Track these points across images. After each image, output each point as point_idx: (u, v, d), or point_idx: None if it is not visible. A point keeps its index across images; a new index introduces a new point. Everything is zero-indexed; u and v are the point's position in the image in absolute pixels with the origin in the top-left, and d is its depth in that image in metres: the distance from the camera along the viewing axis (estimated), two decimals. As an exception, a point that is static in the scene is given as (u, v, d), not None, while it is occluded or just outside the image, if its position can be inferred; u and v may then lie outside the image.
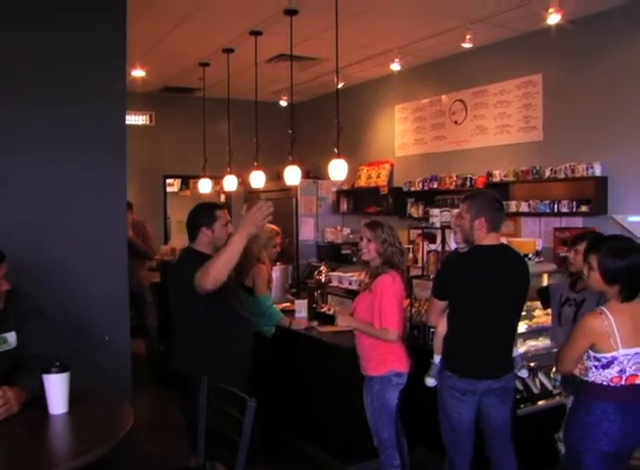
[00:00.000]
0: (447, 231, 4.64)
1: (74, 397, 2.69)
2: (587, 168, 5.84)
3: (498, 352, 3.52)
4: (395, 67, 7.37)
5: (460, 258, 3.60)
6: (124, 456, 3.15)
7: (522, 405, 4.22)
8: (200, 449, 3.02)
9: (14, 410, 2.60)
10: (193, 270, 3.45)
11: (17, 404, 2.62)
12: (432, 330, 4.25)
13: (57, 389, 2.64)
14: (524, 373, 3.80)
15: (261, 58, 6.88)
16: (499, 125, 6.93)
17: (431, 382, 3.64)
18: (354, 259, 7.60)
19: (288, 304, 5.61)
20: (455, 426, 3.48)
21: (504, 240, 3.87)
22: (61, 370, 2.64)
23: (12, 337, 2.91)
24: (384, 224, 3.94)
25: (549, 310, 4.29)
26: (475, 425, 3.53)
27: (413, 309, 4.62)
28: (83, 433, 2.62)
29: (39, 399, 2.66)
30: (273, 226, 5.00)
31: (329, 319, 4.96)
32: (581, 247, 3.79)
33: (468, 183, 6.98)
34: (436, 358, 3.62)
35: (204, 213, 3.72)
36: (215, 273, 3.33)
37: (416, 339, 4.50)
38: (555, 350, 4.01)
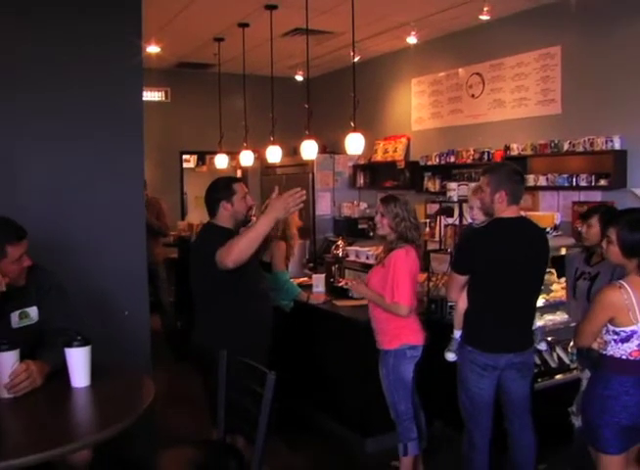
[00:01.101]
0: (465, 205, 4.62)
1: (96, 371, 2.72)
2: (606, 142, 5.78)
3: (519, 325, 3.51)
4: (412, 40, 7.30)
5: (479, 231, 3.58)
6: (145, 430, 3.19)
7: (539, 380, 4.23)
8: (220, 423, 3.05)
9: (37, 384, 2.64)
10: (215, 245, 3.46)
11: (40, 378, 2.65)
12: (449, 304, 4.25)
13: (79, 362, 2.67)
14: (542, 346, 3.80)
15: (277, 32, 6.83)
16: (517, 98, 6.85)
17: (451, 357, 3.65)
18: (371, 234, 7.60)
19: (305, 278, 5.62)
20: (475, 401, 3.49)
21: (523, 214, 3.83)
22: (83, 344, 2.67)
23: (34, 312, 2.95)
24: (398, 199, 3.92)
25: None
26: (494, 400, 3.53)
27: (430, 283, 4.61)
28: (105, 406, 2.65)
29: (62, 372, 2.70)
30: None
31: (346, 293, 4.97)
32: (594, 220, 3.79)
33: (485, 157, 6.94)
34: (457, 333, 3.62)
35: (221, 188, 3.72)
36: (238, 252, 3.35)
37: (433, 313, 4.50)
38: (573, 324, 4.01)
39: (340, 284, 5.28)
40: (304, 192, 3.44)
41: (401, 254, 3.79)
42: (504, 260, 3.37)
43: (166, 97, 9.69)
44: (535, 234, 3.54)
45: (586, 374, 3.70)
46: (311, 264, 6.41)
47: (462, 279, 3.51)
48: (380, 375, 3.92)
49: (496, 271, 3.39)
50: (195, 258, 3.75)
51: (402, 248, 3.81)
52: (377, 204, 4.03)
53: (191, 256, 3.83)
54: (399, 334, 3.82)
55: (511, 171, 3.46)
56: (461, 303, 3.59)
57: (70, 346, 2.66)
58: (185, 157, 10.43)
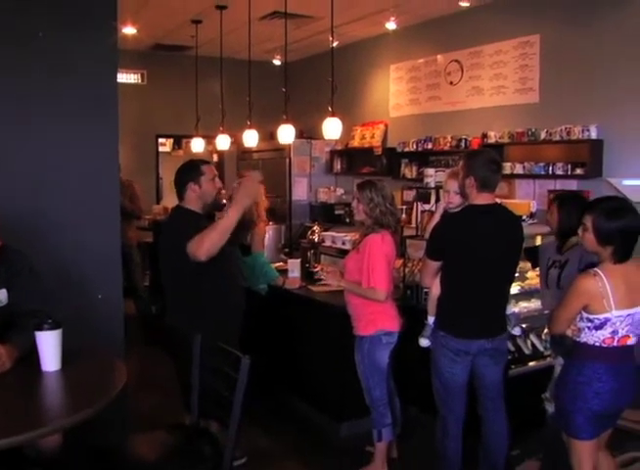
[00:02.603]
0: (442, 191, 4.62)
1: (67, 355, 2.68)
2: (583, 131, 5.81)
3: (491, 311, 3.52)
4: (391, 26, 7.27)
5: (451, 217, 3.60)
6: (117, 415, 3.16)
7: (513, 366, 4.26)
8: (193, 407, 3.03)
9: (6, 367, 2.59)
10: (183, 229, 3.46)
11: (9, 361, 2.61)
12: (425, 290, 4.25)
13: (49, 346, 2.62)
14: (517, 331, 3.83)
15: (255, 15, 6.75)
16: (495, 86, 6.86)
17: (425, 342, 3.65)
18: (347, 220, 7.61)
19: (280, 263, 5.60)
20: (448, 386, 3.50)
21: (499, 201, 3.84)
22: (53, 327, 2.61)
23: (3, 294, 2.89)
24: (374, 184, 3.91)
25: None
26: (467, 385, 3.54)
27: (406, 269, 4.61)
28: (76, 390, 2.61)
29: (32, 356, 2.64)
30: None
31: (321, 279, 4.96)
32: (553, 207, 3.90)
33: (463, 144, 6.94)
34: (430, 319, 3.62)
35: (189, 169, 3.70)
36: (209, 245, 3.33)
37: (409, 299, 4.50)
38: (546, 312, 4.04)
39: (315, 269, 5.26)
40: (259, 172, 3.49)
41: (377, 239, 3.79)
42: (475, 247, 3.37)
43: (142, 79, 9.59)
44: (509, 221, 3.54)
45: (559, 361, 3.73)
46: (287, 249, 6.38)
47: (435, 265, 3.51)
48: (355, 361, 3.92)
49: (467, 257, 3.39)
50: (164, 242, 3.72)
51: (378, 233, 3.81)
52: (354, 190, 4.02)
53: (160, 239, 3.81)
54: (375, 320, 3.82)
55: (486, 159, 3.44)
56: (434, 288, 3.59)
57: (41, 329, 2.60)
58: (161, 140, 10.36)
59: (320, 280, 4.62)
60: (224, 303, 3.66)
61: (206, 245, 3.33)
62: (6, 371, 2.59)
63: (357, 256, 3.85)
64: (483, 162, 3.42)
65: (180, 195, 3.70)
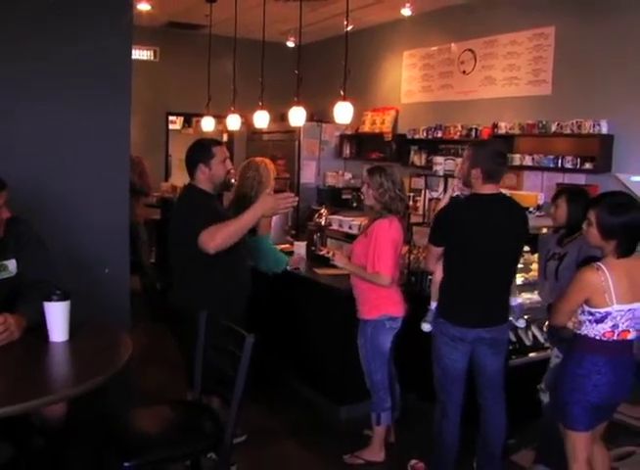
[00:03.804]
0: (450, 179, 4.65)
1: (74, 327, 2.72)
2: (594, 125, 5.79)
3: (490, 301, 3.52)
4: (406, 12, 7.24)
5: (455, 204, 3.61)
6: (121, 387, 3.20)
7: (513, 357, 4.29)
8: (196, 384, 3.07)
9: (15, 336, 2.63)
10: (194, 209, 3.51)
11: (18, 331, 2.64)
12: (429, 277, 4.28)
13: (57, 317, 2.66)
14: (521, 323, 3.83)
15: (271, -5, 6.73)
16: (508, 77, 6.84)
17: (427, 327, 3.68)
18: (354, 204, 7.63)
19: (287, 245, 5.62)
20: (447, 372, 3.53)
21: (506, 192, 3.86)
22: (62, 298, 2.65)
23: (12, 264, 2.93)
24: (384, 170, 3.93)
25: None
26: (467, 372, 3.57)
27: (411, 256, 4.64)
28: (83, 361, 2.66)
29: (40, 326, 2.69)
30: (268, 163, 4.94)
31: (327, 262, 4.98)
32: (561, 201, 3.88)
33: (473, 134, 6.93)
34: (433, 305, 3.65)
35: (200, 150, 3.69)
36: (220, 241, 3.36)
37: (413, 285, 4.53)
38: (544, 303, 4.07)
39: (321, 252, 5.29)
40: (297, 199, 3.49)
41: (384, 224, 3.82)
42: (477, 234, 3.39)
43: (155, 56, 9.56)
44: (514, 212, 3.55)
45: (555, 352, 3.78)
46: (293, 232, 6.40)
47: (437, 250, 3.54)
48: (358, 344, 3.96)
49: (467, 245, 3.42)
50: (174, 219, 3.75)
51: (386, 218, 3.84)
52: (363, 174, 4.04)
53: (170, 217, 3.83)
54: (380, 304, 3.86)
55: (493, 151, 3.45)
56: (437, 274, 3.62)
57: (50, 300, 2.64)
58: (171, 118, 10.31)
59: (328, 260, 4.66)
60: (231, 282, 3.68)
61: (218, 241, 3.35)
62: (15, 341, 2.63)
63: (365, 240, 3.88)
64: (490, 153, 3.43)
65: (191, 173, 3.72)
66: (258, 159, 4.94)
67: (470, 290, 3.48)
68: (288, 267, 4.90)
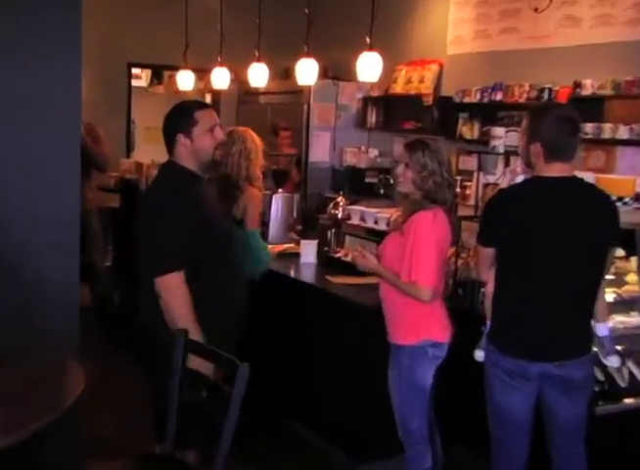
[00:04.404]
0: (513, 158, 4.62)
1: (1, 355, 2.71)
2: None
3: (561, 324, 3.45)
4: None
5: (509, 191, 3.61)
6: (67, 434, 3.20)
7: (601, 403, 4.24)
8: (169, 431, 3.06)
9: None
10: (174, 196, 3.52)
11: None
12: (482, 289, 4.26)
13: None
14: (614, 361, 3.78)
15: None
16: (598, 15, 6.77)
17: (480, 356, 3.66)
18: (381, 191, 7.61)
19: (291, 245, 5.63)
20: (502, 418, 3.51)
21: (583, 174, 3.79)
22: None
23: None
24: (429, 146, 3.92)
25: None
26: (532, 419, 3.53)
27: (459, 261, 4.62)
28: (11, 402, 2.63)
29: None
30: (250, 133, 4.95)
31: (345, 267, 4.98)
32: None
33: (545, 96, 6.89)
34: (488, 325, 3.64)
35: (179, 115, 3.69)
36: (169, 311, 3.42)
37: (462, 299, 4.51)
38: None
39: (337, 255, 5.28)
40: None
41: (427, 218, 3.79)
42: (535, 233, 3.35)
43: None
44: (593, 202, 3.49)
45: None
46: (300, 227, 6.39)
47: (487, 253, 3.54)
48: (389, 378, 3.95)
49: (524, 246, 3.39)
50: (146, 209, 3.73)
51: (429, 210, 3.81)
52: (395, 150, 4.03)
53: (141, 205, 3.81)
54: (419, 326, 3.84)
55: (557, 117, 3.41)
56: (490, 285, 3.62)
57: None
58: (135, 71, 10.33)
59: (346, 265, 4.65)
60: (221, 299, 3.67)
61: (167, 315, 3.41)
62: None
63: (401, 239, 3.85)
64: (553, 120, 3.38)
65: (169, 148, 3.71)
66: (241, 128, 4.95)
67: (528, 307, 3.44)
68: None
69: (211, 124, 3.68)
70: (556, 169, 3.37)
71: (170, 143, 3.69)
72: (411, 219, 3.84)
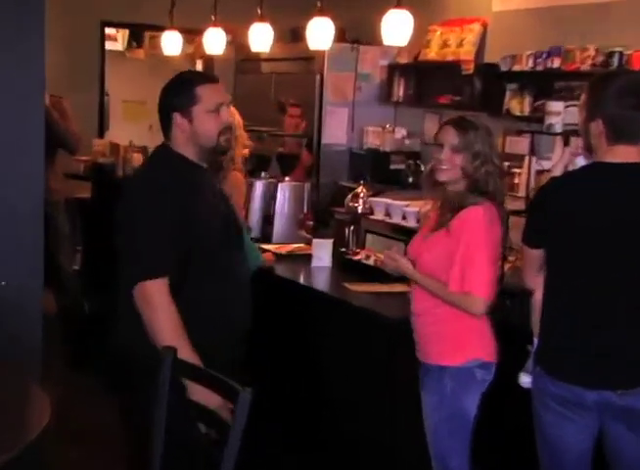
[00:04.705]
0: (573, 139, 4.63)
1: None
2: None
3: (624, 344, 3.42)
4: None
5: (562, 180, 3.60)
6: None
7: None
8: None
9: None
10: (165, 190, 3.49)
11: None
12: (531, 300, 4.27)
13: None
14: None
15: None
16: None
17: (526, 381, 3.68)
18: (410, 180, 7.62)
19: (301, 245, 5.65)
20: (554, 451, 3.50)
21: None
22: None
23: None
24: (478, 126, 3.92)
25: None
26: (592, 455, 3.53)
27: (506, 266, 4.63)
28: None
29: None
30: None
31: (366, 272, 5.00)
32: None
33: (615, 61, 6.87)
34: (536, 343, 3.64)
35: (176, 89, 3.67)
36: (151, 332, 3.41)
37: (509, 311, 4.51)
38: None
39: (357, 257, 5.30)
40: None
41: (478, 214, 3.78)
42: (596, 229, 3.34)
43: None
44: None
45: None
46: (311, 223, 6.42)
47: (535, 255, 3.53)
48: (423, 406, 3.96)
49: (578, 247, 3.37)
50: (128, 198, 3.73)
51: (479, 205, 3.80)
52: (427, 130, 4.03)
53: (123, 193, 3.81)
54: (466, 343, 3.86)
55: (622, 89, 3.38)
56: (538, 294, 3.61)
57: None
58: (109, 32, 10.37)
59: (367, 269, 4.65)
60: (216, 316, 3.66)
61: (151, 324, 3.41)
62: None
63: (447, 239, 3.83)
64: (618, 92, 3.35)
65: (164, 129, 3.70)
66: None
67: (584, 321, 3.41)
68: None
69: (217, 103, 3.63)
70: (620, 153, 3.34)
71: (165, 123, 3.66)
72: (459, 216, 3.82)
